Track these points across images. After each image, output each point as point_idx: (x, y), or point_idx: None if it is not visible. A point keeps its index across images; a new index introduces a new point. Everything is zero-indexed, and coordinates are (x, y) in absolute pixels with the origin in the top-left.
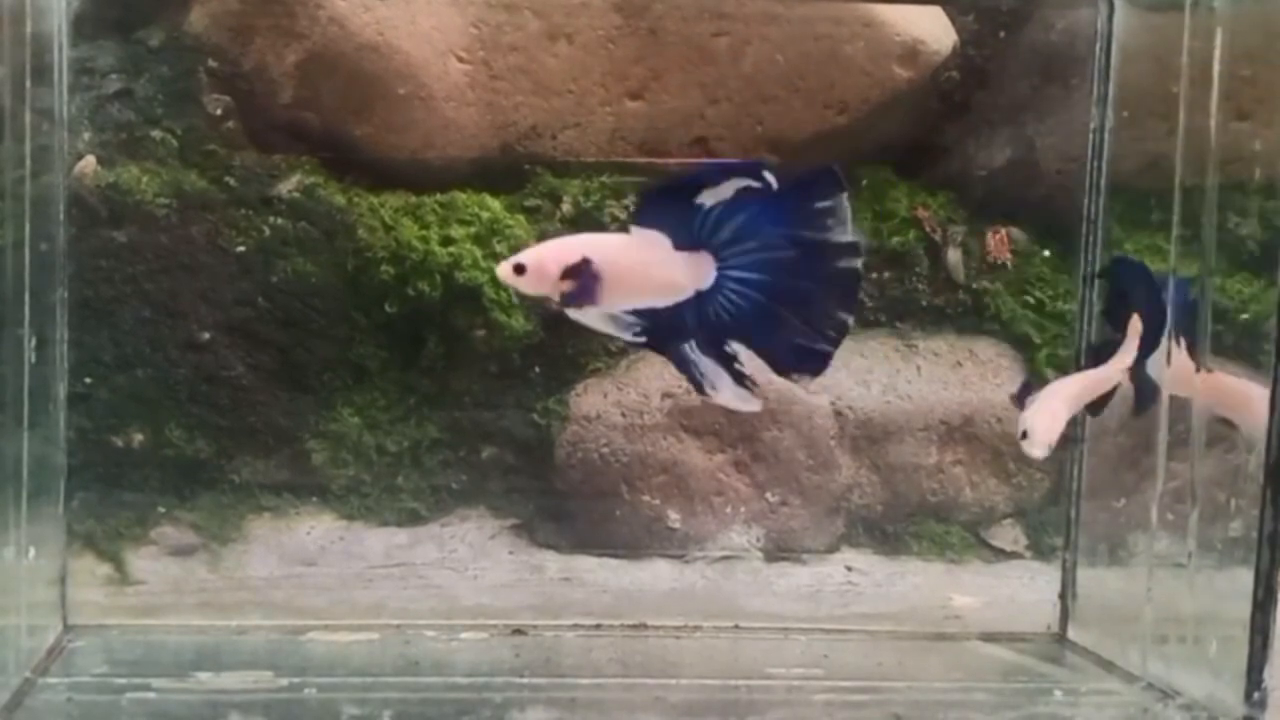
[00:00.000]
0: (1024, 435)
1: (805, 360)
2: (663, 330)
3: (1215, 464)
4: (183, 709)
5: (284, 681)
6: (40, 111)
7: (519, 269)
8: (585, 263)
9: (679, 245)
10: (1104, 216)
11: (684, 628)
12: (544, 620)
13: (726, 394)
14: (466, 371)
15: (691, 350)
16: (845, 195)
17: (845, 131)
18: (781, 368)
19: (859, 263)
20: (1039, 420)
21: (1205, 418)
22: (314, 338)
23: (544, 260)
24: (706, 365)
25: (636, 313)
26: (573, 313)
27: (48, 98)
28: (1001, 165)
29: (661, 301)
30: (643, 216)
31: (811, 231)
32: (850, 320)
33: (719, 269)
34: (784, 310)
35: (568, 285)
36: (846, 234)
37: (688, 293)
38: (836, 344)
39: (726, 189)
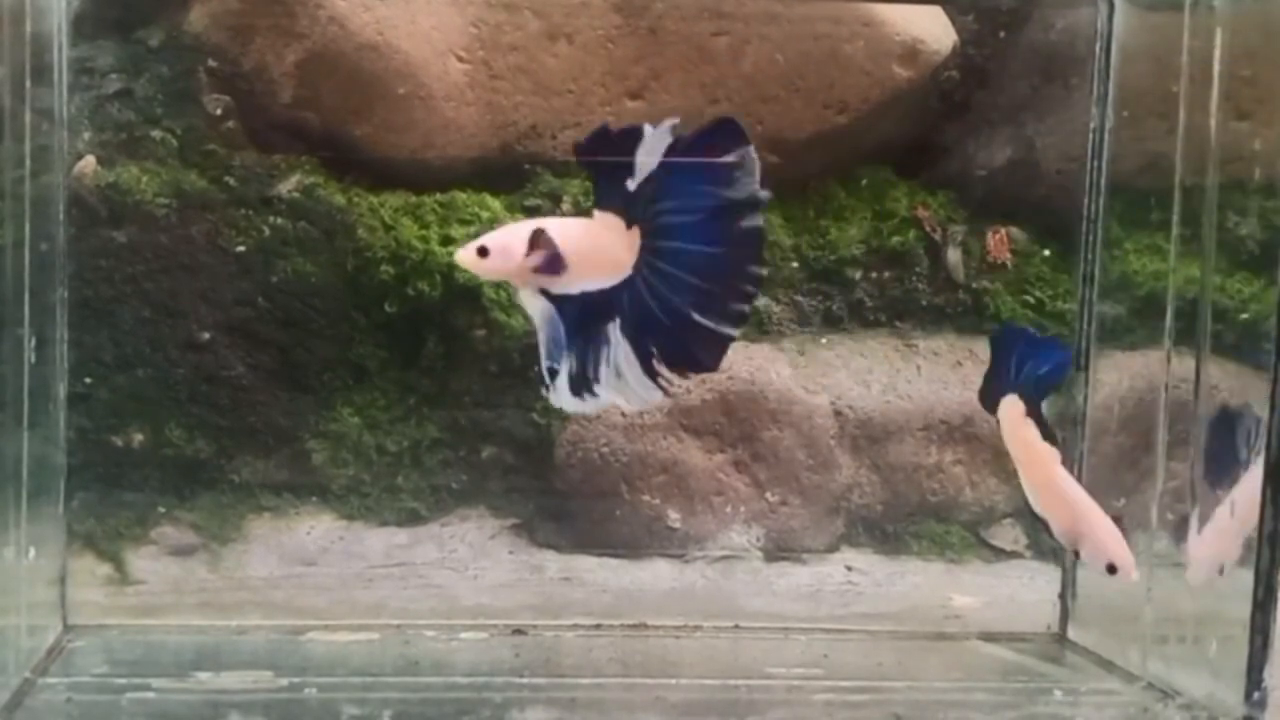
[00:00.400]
0: (1111, 570)
1: (708, 349)
2: (596, 312)
3: None
4: (183, 709)
5: (284, 681)
6: (40, 111)
7: (482, 251)
8: (542, 233)
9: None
10: (1104, 216)
11: (684, 627)
12: (544, 620)
13: (625, 394)
14: (466, 371)
15: (614, 332)
16: (751, 148)
17: (845, 131)
18: (686, 359)
19: (760, 220)
20: (1112, 549)
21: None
22: (314, 337)
23: (508, 241)
24: (624, 353)
25: (571, 297)
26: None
27: (47, 97)
28: (1001, 165)
29: (609, 281)
30: (602, 198)
31: (719, 187)
32: (757, 286)
33: (642, 243)
34: (699, 282)
35: (535, 260)
36: (753, 187)
37: (628, 271)
38: (744, 318)
39: (645, 159)
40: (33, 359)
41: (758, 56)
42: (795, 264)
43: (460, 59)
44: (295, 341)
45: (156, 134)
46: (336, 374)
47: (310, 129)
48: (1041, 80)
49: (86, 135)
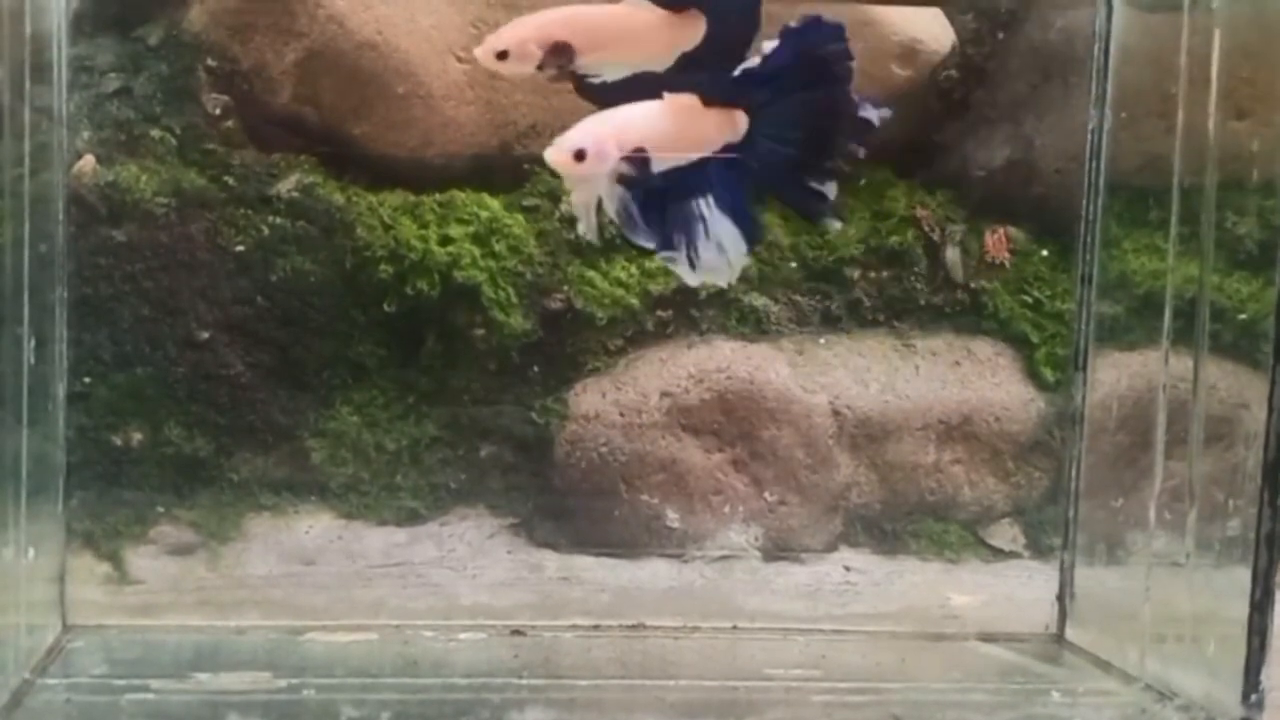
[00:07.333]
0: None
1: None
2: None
3: (1213, 463)
4: (181, 709)
5: (282, 682)
6: (39, 109)
7: (579, 155)
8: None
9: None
10: (1102, 216)
11: (682, 628)
12: (542, 620)
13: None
14: (465, 370)
15: (707, 207)
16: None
17: None
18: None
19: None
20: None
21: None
22: (313, 336)
23: (604, 145)
24: (719, 224)
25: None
26: (577, 197)
27: (47, 96)
28: (1000, 164)
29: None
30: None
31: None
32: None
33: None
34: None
35: (623, 168)
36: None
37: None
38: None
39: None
40: (32, 358)
41: None
42: (794, 264)
43: (459, 58)
44: (294, 340)
45: (156, 133)
46: (335, 372)
47: (309, 127)
48: (1040, 80)
49: (86, 134)
